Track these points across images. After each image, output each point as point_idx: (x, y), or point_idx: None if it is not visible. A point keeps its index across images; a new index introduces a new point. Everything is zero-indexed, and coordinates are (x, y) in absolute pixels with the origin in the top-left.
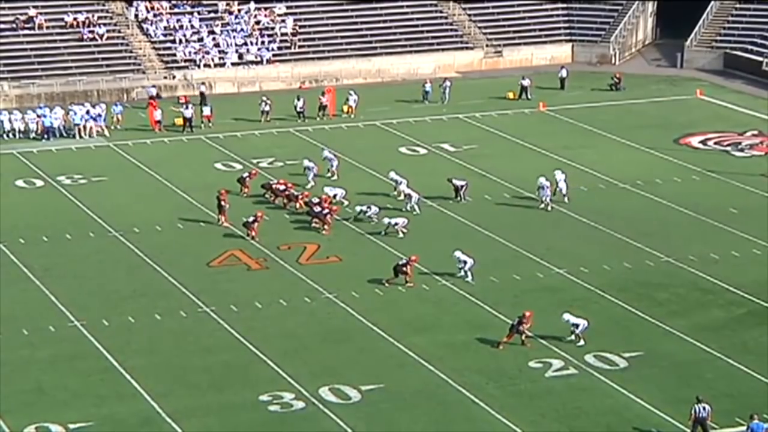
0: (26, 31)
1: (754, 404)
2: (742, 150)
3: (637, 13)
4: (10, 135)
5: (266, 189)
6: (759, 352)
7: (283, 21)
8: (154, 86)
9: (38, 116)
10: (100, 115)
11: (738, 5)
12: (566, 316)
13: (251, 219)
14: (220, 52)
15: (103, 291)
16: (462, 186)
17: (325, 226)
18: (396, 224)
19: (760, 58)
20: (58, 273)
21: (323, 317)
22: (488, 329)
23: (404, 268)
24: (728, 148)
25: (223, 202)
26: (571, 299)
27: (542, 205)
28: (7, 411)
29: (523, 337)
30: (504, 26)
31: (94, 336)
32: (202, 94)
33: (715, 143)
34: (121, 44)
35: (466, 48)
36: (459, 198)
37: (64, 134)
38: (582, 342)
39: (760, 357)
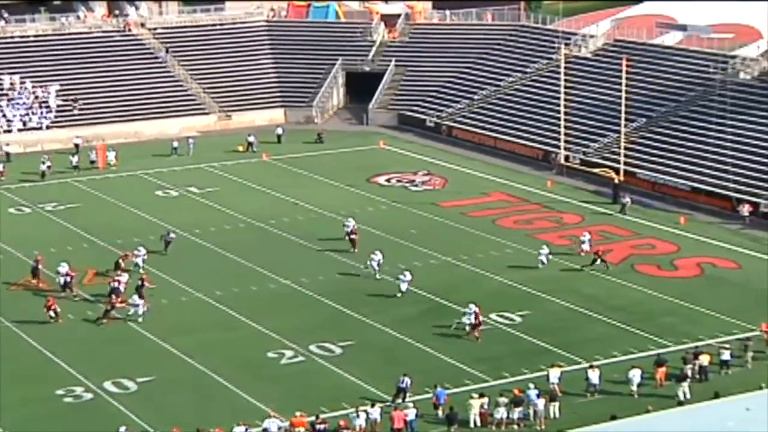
0: None
1: (438, 377)
2: (416, 185)
3: (332, 84)
4: None
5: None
6: (441, 338)
7: (57, 95)
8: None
9: None
10: None
11: (404, 78)
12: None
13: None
14: (7, 121)
15: None
16: (170, 241)
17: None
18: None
19: (424, 116)
20: None
21: (104, 326)
22: (233, 330)
23: None
24: (406, 185)
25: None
26: (298, 303)
27: None
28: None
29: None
30: (232, 96)
31: None
32: (7, 153)
33: (397, 181)
34: None
35: (204, 113)
36: (166, 251)
37: None
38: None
39: (442, 341)
